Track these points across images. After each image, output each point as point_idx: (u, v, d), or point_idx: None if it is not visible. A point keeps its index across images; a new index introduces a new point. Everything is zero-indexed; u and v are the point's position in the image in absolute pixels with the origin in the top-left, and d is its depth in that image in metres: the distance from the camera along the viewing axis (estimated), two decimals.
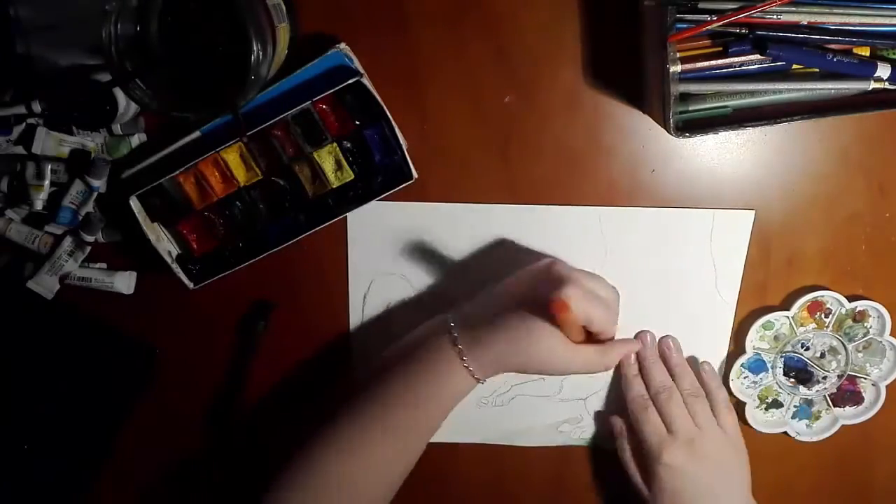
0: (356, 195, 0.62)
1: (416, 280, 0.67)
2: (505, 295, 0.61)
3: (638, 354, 0.67)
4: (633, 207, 0.65)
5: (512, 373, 0.60)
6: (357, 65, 0.60)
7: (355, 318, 0.68)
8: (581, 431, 0.71)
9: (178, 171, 0.60)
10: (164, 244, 0.62)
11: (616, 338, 0.63)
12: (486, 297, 0.62)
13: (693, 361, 0.68)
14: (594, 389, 0.70)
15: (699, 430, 0.63)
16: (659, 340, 0.67)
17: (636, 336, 0.67)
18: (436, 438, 0.62)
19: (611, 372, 0.69)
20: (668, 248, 0.66)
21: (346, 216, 0.64)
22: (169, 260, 0.62)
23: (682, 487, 0.62)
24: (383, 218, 0.65)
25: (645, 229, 0.65)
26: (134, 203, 0.61)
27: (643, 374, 0.67)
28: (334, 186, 0.62)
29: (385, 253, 0.66)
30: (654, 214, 0.65)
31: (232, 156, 0.60)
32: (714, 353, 0.68)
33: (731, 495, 0.63)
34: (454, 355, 0.58)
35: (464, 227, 0.66)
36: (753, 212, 0.65)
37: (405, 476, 0.61)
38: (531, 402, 0.69)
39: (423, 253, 0.66)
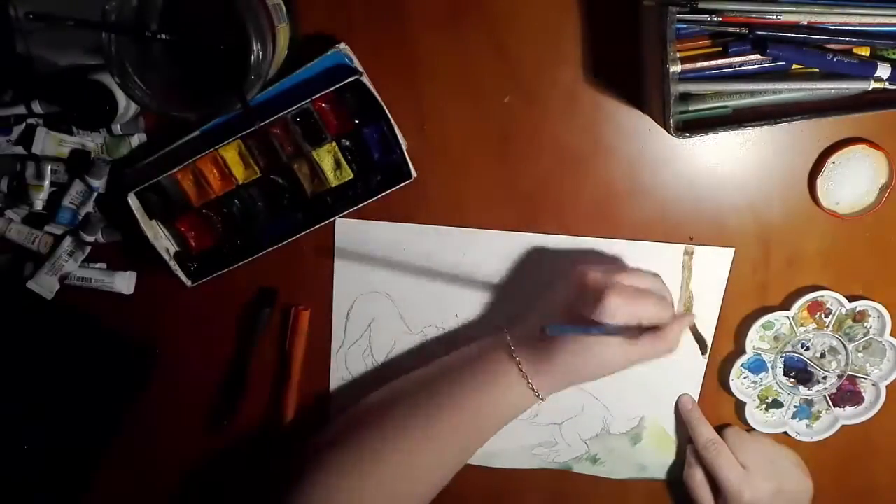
0: (355, 194, 0.62)
1: (399, 300, 0.67)
2: (553, 309, 0.60)
3: (682, 416, 0.69)
4: (615, 239, 0.65)
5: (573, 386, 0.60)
6: (357, 64, 0.60)
7: (338, 335, 0.68)
8: (555, 455, 0.71)
9: (176, 169, 0.60)
10: (162, 241, 0.63)
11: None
12: (536, 314, 0.61)
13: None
14: (570, 415, 0.70)
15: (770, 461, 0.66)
16: (679, 399, 0.69)
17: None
18: None
19: (587, 399, 0.69)
20: None
21: (335, 231, 0.65)
22: (167, 257, 0.62)
23: None
24: (370, 236, 0.66)
25: (628, 260, 0.66)
26: (132, 200, 0.61)
27: (690, 432, 0.68)
28: (333, 185, 0.62)
29: (370, 271, 0.67)
30: (633, 246, 0.66)
31: (231, 153, 0.60)
32: (688, 389, 0.69)
33: None
34: (514, 372, 0.58)
35: (452, 249, 0.66)
36: (733, 250, 0.65)
37: (441, 487, 0.61)
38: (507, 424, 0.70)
39: (409, 273, 0.66)
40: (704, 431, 0.67)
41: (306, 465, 0.60)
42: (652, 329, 0.57)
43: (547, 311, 0.61)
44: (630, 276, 0.58)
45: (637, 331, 0.57)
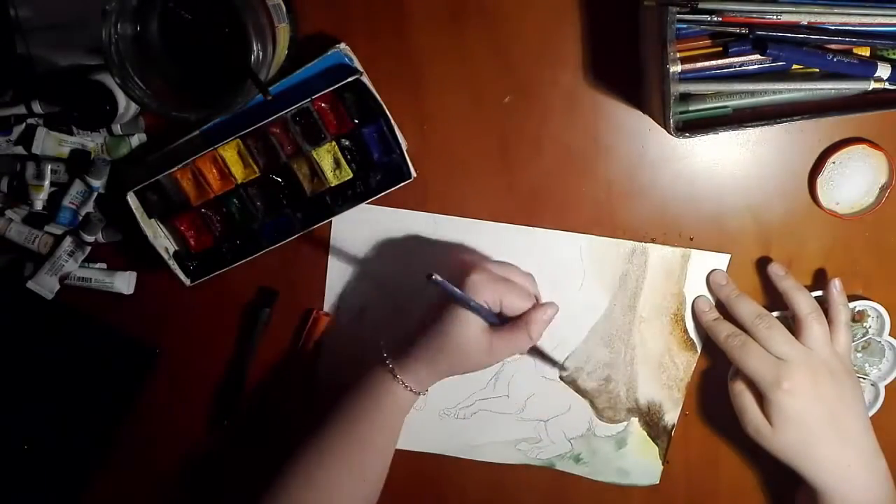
0: (354, 193, 0.62)
1: (393, 288, 0.67)
2: (426, 308, 0.61)
3: (716, 295, 0.66)
4: (614, 239, 0.65)
5: (448, 377, 0.61)
6: (357, 64, 0.60)
7: (331, 320, 0.68)
8: (539, 451, 0.71)
9: (175, 168, 0.60)
10: (162, 240, 0.63)
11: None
12: (411, 326, 0.62)
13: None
14: (556, 412, 0.70)
15: (811, 351, 0.61)
16: (769, 266, 0.65)
17: (710, 274, 0.66)
18: (409, 447, 0.63)
19: (574, 396, 0.69)
20: (644, 281, 0.66)
21: (332, 220, 0.65)
22: (166, 256, 0.62)
23: (807, 411, 0.60)
24: (367, 222, 0.66)
25: (623, 259, 0.66)
26: (131, 199, 0.61)
27: (730, 311, 0.64)
28: (332, 185, 0.62)
29: (365, 258, 0.67)
30: (632, 247, 0.66)
31: (230, 153, 0.60)
32: (669, 397, 0.69)
33: (850, 415, 0.61)
34: (389, 376, 0.60)
35: (450, 240, 0.66)
36: (729, 256, 0.65)
37: (374, 498, 0.62)
38: (492, 418, 0.70)
39: (404, 261, 0.66)
40: (725, 328, 0.64)
41: None
42: (513, 319, 0.60)
43: (418, 320, 0.61)
44: (502, 266, 0.61)
45: (498, 319, 0.59)
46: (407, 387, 0.60)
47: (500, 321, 0.60)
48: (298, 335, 0.69)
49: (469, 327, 0.58)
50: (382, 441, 0.61)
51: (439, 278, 0.54)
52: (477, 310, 0.57)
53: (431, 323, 0.59)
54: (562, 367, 0.68)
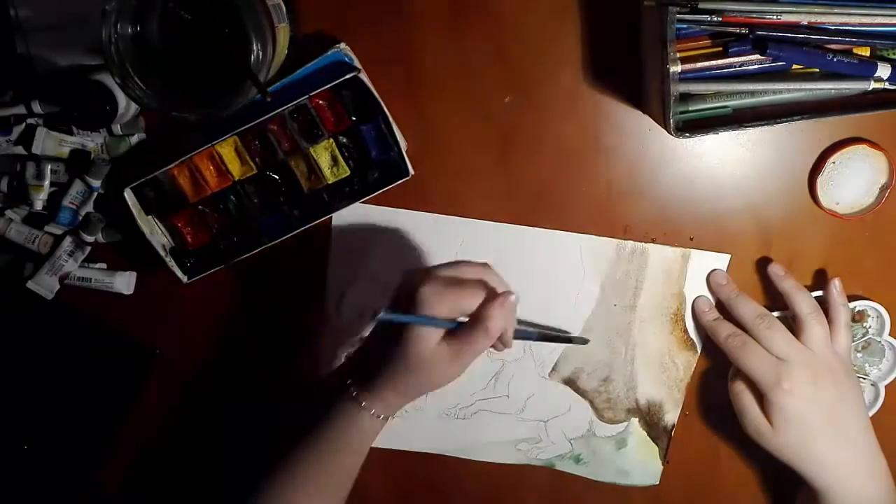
0: (352, 191, 0.62)
1: (393, 287, 0.67)
2: (378, 335, 0.58)
3: (716, 295, 0.66)
4: (614, 239, 0.65)
5: (419, 398, 0.58)
6: (357, 64, 0.60)
7: (329, 319, 0.68)
8: (539, 451, 0.71)
9: (172, 165, 0.60)
10: (159, 237, 0.63)
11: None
12: (363, 343, 0.60)
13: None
14: (556, 413, 0.70)
15: (812, 352, 0.61)
16: (769, 267, 0.65)
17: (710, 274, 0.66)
18: (409, 447, 0.62)
19: (574, 397, 0.69)
20: (644, 281, 0.66)
21: (332, 218, 0.65)
22: (163, 253, 0.62)
23: (807, 411, 0.60)
24: (368, 221, 0.66)
25: (623, 259, 0.66)
26: (128, 195, 0.61)
27: (731, 311, 0.64)
28: (330, 182, 0.62)
29: (366, 257, 0.67)
30: (632, 247, 0.66)
31: (227, 149, 0.60)
32: (669, 397, 0.69)
33: (850, 415, 0.61)
34: (355, 406, 0.56)
35: (450, 239, 0.66)
36: (729, 256, 0.65)
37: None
38: (492, 418, 0.70)
39: (405, 260, 0.66)
40: (725, 328, 0.64)
41: None
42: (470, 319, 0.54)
43: (371, 336, 0.58)
44: (451, 267, 0.55)
45: (454, 324, 0.54)
46: (376, 415, 0.56)
47: (455, 325, 0.54)
48: (299, 335, 0.69)
49: (424, 342, 0.53)
50: (351, 463, 0.59)
51: (386, 315, 0.51)
52: (435, 325, 0.53)
53: (389, 344, 0.54)
54: (581, 340, 0.65)
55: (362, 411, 0.56)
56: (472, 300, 0.53)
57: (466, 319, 0.53)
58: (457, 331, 0.53)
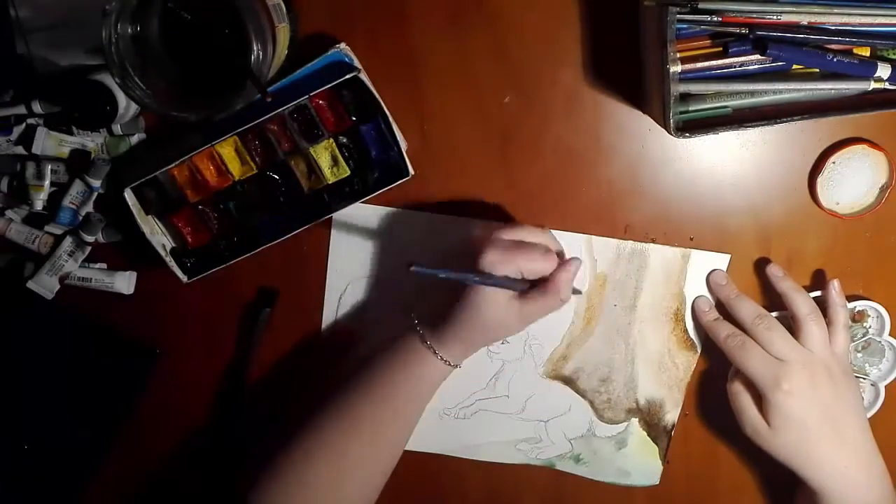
0: (352, 191, 0.62)
1: (394, 287, 0.67)
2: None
3: (716, 295, 0.66)
4: (614, 239, 0.65)
5: (483, 348, 0.63)
6: (357, 63, 0.60)
7: (328, 319, 0.68)
8: (539, 451, 0.71)
9: (172, 165, 0.60)
10: (159, 237, 0.63)
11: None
12: (435, 293, 0.63)
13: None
14: (557, 413, 0.70)
15: (811, 353, 0.61)
16: (768, 268, 0.65)
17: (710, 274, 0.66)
18: (409, 447, 0.63)
19: (574, 397, 0.69)
20: (644, 281, 0.66)
21: (332, 218, 0.65)
22: (163, 253, 0.62)
23: (806, 412, 0.60)
24: (368, 221, 0.66)
25: (623, 259, 0.66)
26: (128, 195, 0.61)
27: (730, 311, 0.64)
28: (330, 182, 0.62)
29: (366, 257, 0.67)
30: (632, 247, 0.66)
31: (227, 150, 0.61)
32: (669, 397, 0.69)
33: (848, 416, 0.61)
34: (424, 348, 0.60)
35: (450, 239, 0.66)
36: (729, 256, 0.65)
37: (387, 477, 0.62)
38: (492, 418, 0.70)
39: (404, 261, 0.66)
40: (724, 328, 0.64)
41: (262, 472, 0.60)
42: (539, 282, 0.59)
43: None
44: (513, 230, 0.59)
45: (524, 284, 0.58)
46: (444, 360, 0.60)
47: (525, 286, 0.59)
48: (299, 335, 0.69)
49: (495, 303, 0.58)
50: (413, 413, 0.62)
51: (420, 269, 0.53)
52: (498, 285, 0.57)
53: (459, 300, 0.59)
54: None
55: (428, 353, 0.60)
56: (538, 264, 0.58)
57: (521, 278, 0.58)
58: (528, 292, 0.58)
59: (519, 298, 0.59)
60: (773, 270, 0.65)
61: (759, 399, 0.61)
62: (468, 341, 0.60)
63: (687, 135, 0.54)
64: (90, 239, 0.64)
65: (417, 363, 0.61)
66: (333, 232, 0.66)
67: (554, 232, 0.65)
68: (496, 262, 0.57)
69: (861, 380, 0.68)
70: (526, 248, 0.58)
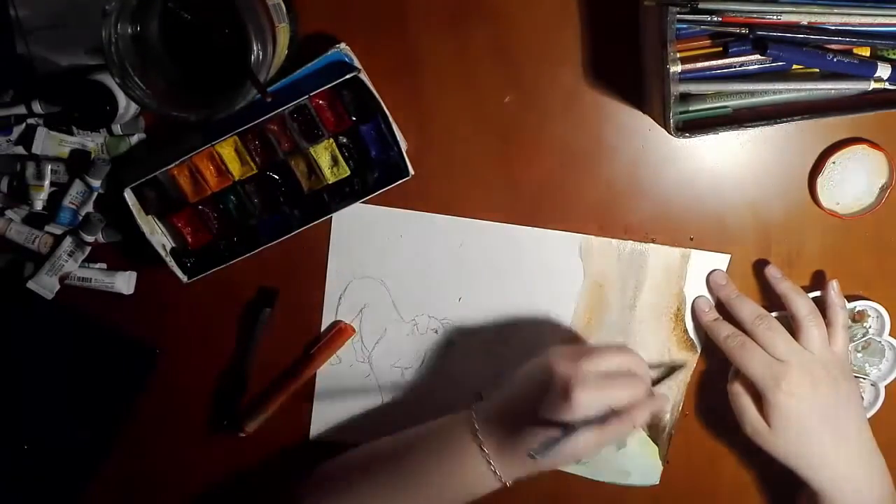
0: (352, 191, 0.62)
1: (393, 287, 0.67)
2: (522, 395, 0.57)
3: (716, 295, 0.65)
4: (614, 239, 0.65)
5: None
6: (357, 63, 0.60)
7: (328, 319, 0.68)
8: None
9: (172, 165, 0.60)
10: (159, 237, 0.63)
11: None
12: (503, 394, 0.59)
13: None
14: None
15: (811, 353, 0.61)
16: (766, 269, 0.64)
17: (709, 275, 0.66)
18: None
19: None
20: (644, 281, 0.66)
21: (332, 218, 0.65)
22: (163, 253, 0.62)
23: (805, 412, 0.60)
24: (368, 221, 0.66)
25: (623, 259, 0.66)
26: (128, 195, 0.61)
27: (730, 312, 0.64)
28: (330, 182, 0.62)
29: (366, 257, 0.67)
30: (632, 247, 0.66)
31: (227, 150, 0.60)
32: (669, 397, 0.68)
33: (848, 416, 0.61)
34: (477, 453, 0.55)
35: (449, 239, 0.66)
36: (729, 256, 0.65)
37: None
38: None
39: (404, 261, 0.66)
40: (724, 328, 0.64)
41: None
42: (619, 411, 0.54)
43: (514, 395, 0.57)
44: (597, 358, 0.55)
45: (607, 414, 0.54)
46: (497, 475, 0.55)
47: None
48: (299, 335, 0.69)
49: (577, 440, 0.52)
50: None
51: (543, 450, 0.50)
52: (587, 426, 0.52)
53: (533, 429, 0.53)
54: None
55: (484, 465, 0.55)
56: (623, 395, 0.54)
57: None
58: (602, 420, 0.53)
59: (597, 429, 0.53)
60: (772, 272, 0.65)
61: (760, 399, 0.61)
62: (535, 466, 0.54)
63: (687, 135, 0.54)
64: (90, 239, 0.64)
65: (469, 468, 0.56)
66: (333, 232, 0.66)
67: (553, 232, 0.65)
68: (589, 402, 0.52)
69: (861, 380, 0.68)
70: (613, 380, 0.54)
